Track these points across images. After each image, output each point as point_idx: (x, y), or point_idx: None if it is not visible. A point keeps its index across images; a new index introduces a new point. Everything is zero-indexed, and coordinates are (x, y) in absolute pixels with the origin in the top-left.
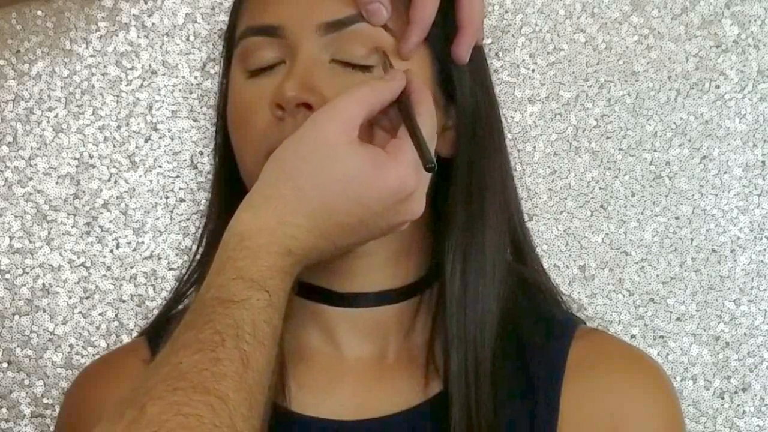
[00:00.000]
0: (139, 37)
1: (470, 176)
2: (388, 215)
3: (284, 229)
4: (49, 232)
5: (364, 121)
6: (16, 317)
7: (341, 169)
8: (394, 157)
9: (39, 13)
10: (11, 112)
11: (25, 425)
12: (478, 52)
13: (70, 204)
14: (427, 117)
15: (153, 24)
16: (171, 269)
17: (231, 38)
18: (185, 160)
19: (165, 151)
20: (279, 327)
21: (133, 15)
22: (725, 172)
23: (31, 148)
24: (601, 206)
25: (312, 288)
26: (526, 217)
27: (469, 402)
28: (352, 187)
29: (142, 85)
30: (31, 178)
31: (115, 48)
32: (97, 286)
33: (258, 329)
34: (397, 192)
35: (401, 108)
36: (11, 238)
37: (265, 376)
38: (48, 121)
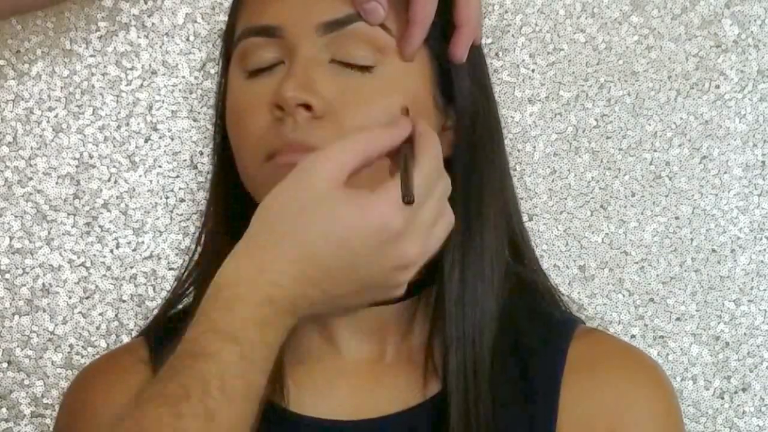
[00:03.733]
0: (139, 37)
1: (469, 177)
2: (376, 258)
3: (265, 277)
4: (49, 232)
5: (357, 170)
6: (16, 317)
7: (322, 212)
8: (377, 196)
9: (39, 13)
10: (11, 112)
11: (25, 425)
12: (476, 52)
13: (70, 204)
14: (427, 158)
15: (153, 24)
16: (171, 269)
17: (230, 39)
18: (185, 160)
19: (165, 151)
20: (256, 382)
21: (133, 15)
22: (725, 172)
23: (31, 148)
24: (601, 206)
25: None
26: (525, 218)
27: (467, 402)
28: (333, 229)
29: (142, 85)
30: (31, 178)
31: (115, 48)
32: (97, 286)
33: (227, 384)
34: (379, 230)
35: (400, 151)
36: (11, 238)
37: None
38: (48, 121)
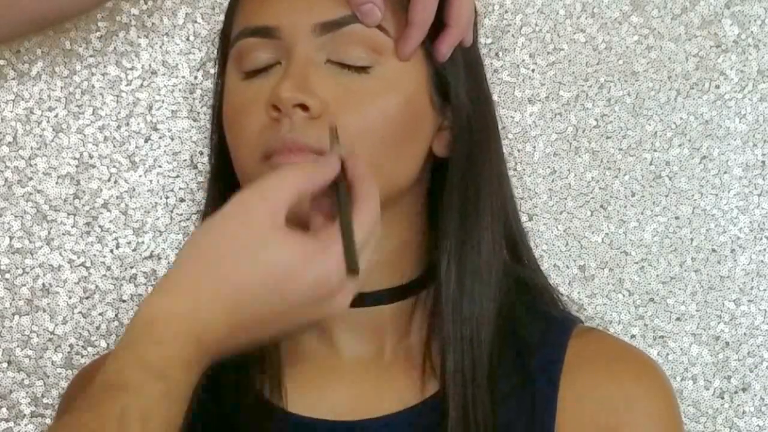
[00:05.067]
0: (139, 37)
1: (466, 176)
2: (308, 310)
3: (196, 315)
4: (49, 232)
5: (292, 206)
6: (16, 317)
7: (264, 257)
8: (322, 249)
9: None
10: (11, 112)
11: (25, 425)
12: (473, 51)
13: (70, 204)
14: (366, 209)
15: (153, 24)
16: None
17: (226, 39)
18: (185, 160)
19: (165, 151)
20: (176, 418)
21: (133, 15)
22: (725, 172)
23: (31, 148)
24: (601, 206)
25: None
26: (525, 217)
27: (466, 402)
28: (274, 277)
29: (142, 85)
30: (31, 178)
31: (115, 48)
32: (97, 286)
33: (148, 420)
34: (319, 285)
35: (337, 196)
36: (11, 238)
37: None
38: (48, 121)
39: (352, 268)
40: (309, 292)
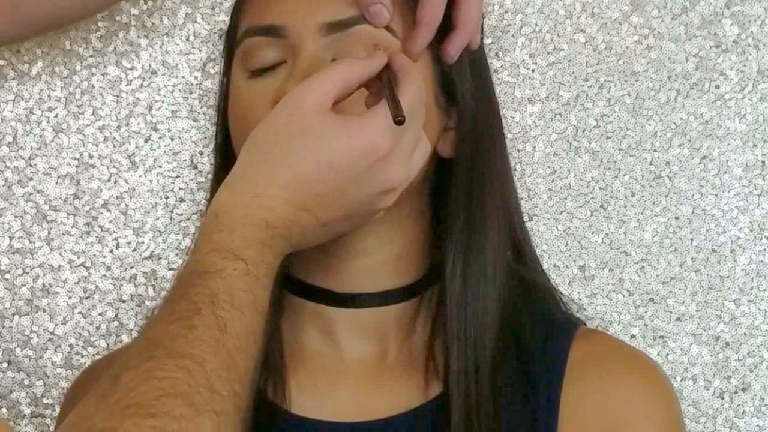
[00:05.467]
0: (139, 37)
1: (471, 177)
2: (364, 181)
3: (259, 201)
4: (49, 232)
5: (340, 98)
6: (16, 317)
7: (312, 137)
8: (364, 119)
9: None
10: (11, 112)
11: (25, 425)
12: (478, 53)
13: (70, 204)
14: (411, 84)
15: (153, 24)
16: (171, 269)
17: (232, 38)
18: (185, 160)
19: (165, 151)
20: (261, 297)
21: (133, 15)
22: (725, 172)
23: (31, 148)
24: (601, 206)
25: (312, 288)
26: (526, 217)
27: (469, 403)
28: (322, 153)
29: (142, 85)
30: (31, 178)
31: (115, 48)
32: (97, 286)
33: (235, 297)
34: (367, 153)
35: (382, 80)
36: (11, 238)
37: (245, 342)
38: (48, 121)
39: (397, 119)
40: (360, 161)
